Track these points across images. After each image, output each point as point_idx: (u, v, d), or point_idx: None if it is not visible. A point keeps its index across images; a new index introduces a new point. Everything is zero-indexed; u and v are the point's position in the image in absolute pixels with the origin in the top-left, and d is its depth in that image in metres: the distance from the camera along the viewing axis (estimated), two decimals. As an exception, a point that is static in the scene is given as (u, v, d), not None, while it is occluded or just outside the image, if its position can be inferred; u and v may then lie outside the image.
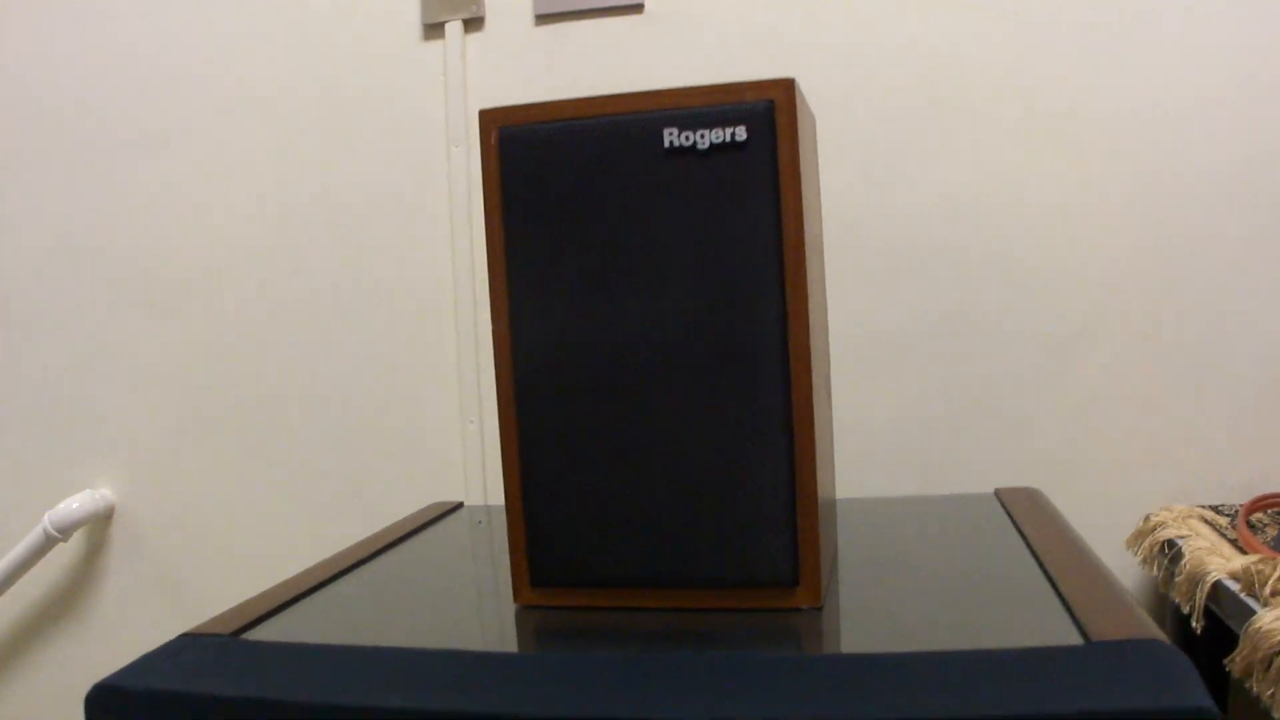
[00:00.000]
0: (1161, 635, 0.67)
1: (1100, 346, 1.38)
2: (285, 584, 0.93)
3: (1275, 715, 0.89)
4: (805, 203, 0.74)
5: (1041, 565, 0.85)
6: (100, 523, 1.71)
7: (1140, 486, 1.38)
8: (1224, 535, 1.21)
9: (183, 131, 1.61)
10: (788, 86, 0.72)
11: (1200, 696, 0.58)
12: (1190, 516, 1.29)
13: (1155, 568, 1.25)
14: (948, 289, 1.41)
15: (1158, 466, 1.38)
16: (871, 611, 0.76)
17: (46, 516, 1.66)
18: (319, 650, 0.73)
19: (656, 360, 0.74)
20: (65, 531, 1.66)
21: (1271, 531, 1.19)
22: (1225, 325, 1.36)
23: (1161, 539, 1.25)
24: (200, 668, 0.72)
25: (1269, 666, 0.91)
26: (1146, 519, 1.31)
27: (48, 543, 1.67)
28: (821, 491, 0.77)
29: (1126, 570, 1.39)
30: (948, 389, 1.41)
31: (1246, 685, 0.96)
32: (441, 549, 1.04)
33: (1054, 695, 0.59)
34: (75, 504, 1.67)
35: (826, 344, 0.89)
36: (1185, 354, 1.37)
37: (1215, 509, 1.32)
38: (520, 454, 0.78)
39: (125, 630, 1.71)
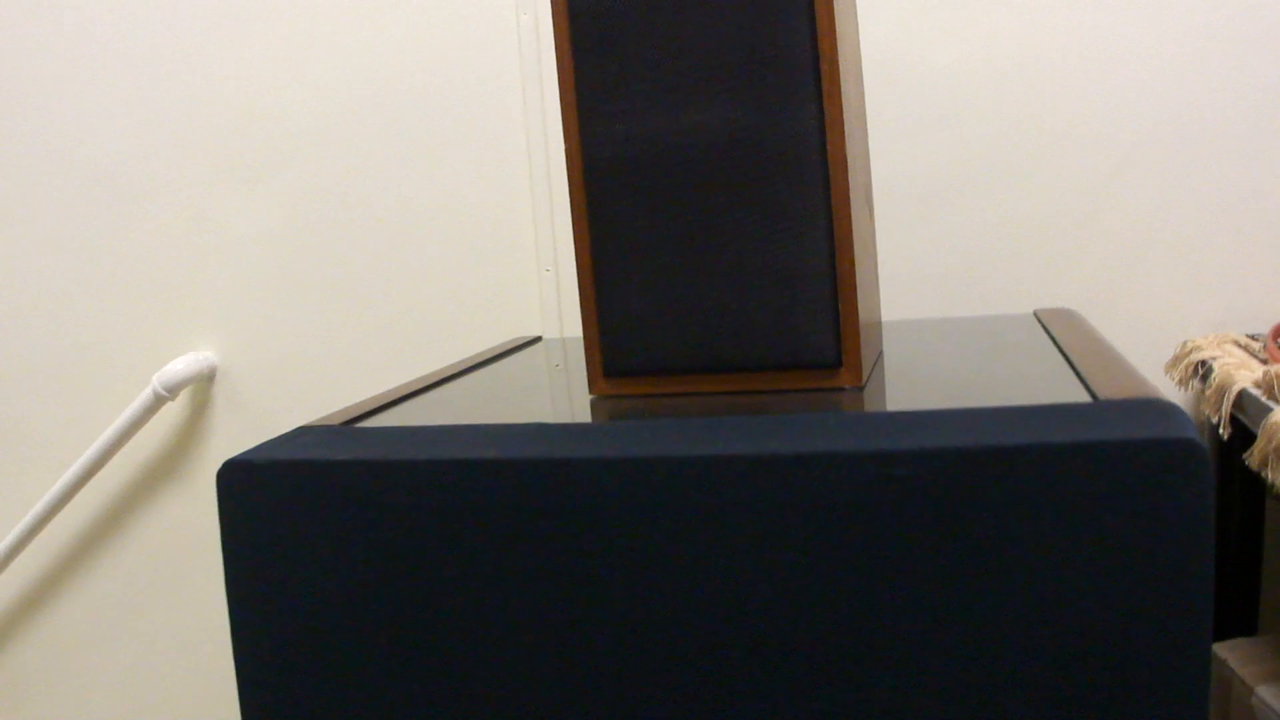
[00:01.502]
0: (1163, 396, 0.76)
1: (1138, 186, 1.45)
2: (385, 392, 1.04)
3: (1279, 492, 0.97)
4: (839, 26, 0.82)
5: (1064, 354, 0.94)
6: (204, 383, 1.83)
7: (1179, 317, 1.46)
8: (1255, 355, 1.29)
9: (269, 12, 1.70)
10: (823, -86, 0.80)
11: (1188, 430, 0.67)
12: (1225, 341, 1.36)
13: (1189, 388, 1.33)
14: (989, 134, 1.48)
15: (1195, 298, 1.45)
16: (908, 389, 0.85)
17: (155, 378, 1.78)
18: (419, 429, 0.84)
19: (711, 165, 0.84)
20: (173, 390, 1.79)
21: (1301, 350, 1.26)
22: (1261, 164, 1.41)
23: (1196, 360, 1.33)
24: (317, 445, 0.83)
25: (1280, 452, 1.00)
26: (1184, 345, 1.39)
27: (157, 402, 1.80)
28: (861, 285, 0.86)
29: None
30: (991, 224, 1.49)
31: (1263, 475, 1.04)
32: (523, 365, 1.15)
33: (1056, 431, 0.68)
34: (180, 365, 1.80)
35: (866, 156, 0.97)
36: (1221, 193, 1.43)
37: (1252, 336, 1.40)
38: (591, 256, 0.88)
39: (230, 483, 1.84)
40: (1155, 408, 0.72)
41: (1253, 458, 1.05)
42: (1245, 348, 1.33)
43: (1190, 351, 1.36)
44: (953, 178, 1.49)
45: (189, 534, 1.87)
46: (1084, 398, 0.78)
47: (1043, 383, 0.84)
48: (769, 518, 0.69)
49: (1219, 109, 1.42)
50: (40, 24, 1.79)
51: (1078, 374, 0.86)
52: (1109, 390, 0.78)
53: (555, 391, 0.98)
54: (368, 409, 0.97)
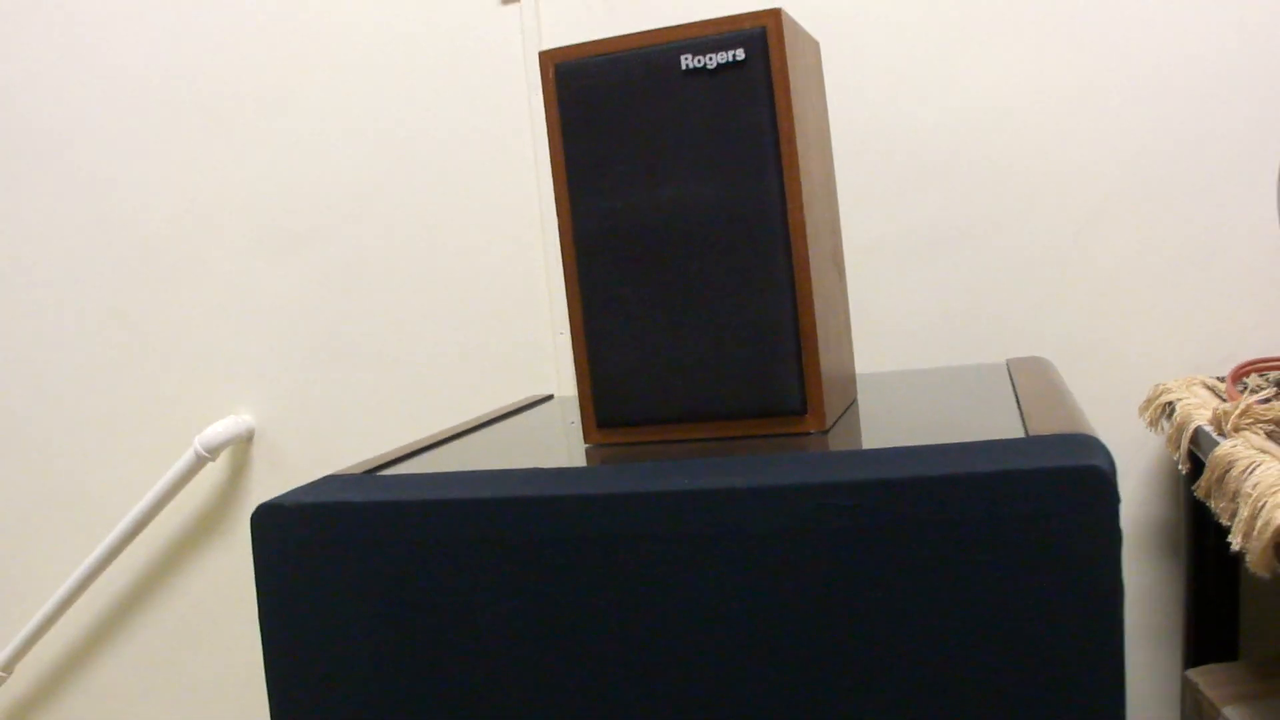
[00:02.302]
0: (1092, 432, 0.85)
1: (1109, 237, 1.55)
2: (403, 445, 1.15)
3: (1223, 522, 1.06)
4: (798, 107, 0.93)
5: (1017, 397, 1.03)
6: (242, 444, 1.95)
7: (1153, 362, 1.55)
8: (1220, 396, 1.37)
9: (303, 100, 1.83)
10: (776, 14, 0.91)
11: (1096, 459, 0.76)
12: (1194, 384, 1.45)
13: (1159, 429, 1.42)
14: (964, 192, 1.58)
15: (1168, 344, 1.55)
16: (870, 432, 0.95)
17: (196, 440, 1.90)
18: (431, 475, 0.95)
19: (686, 234, 0.94)
20: (213, 451, 1.90)
21: (1263, 392, 1.35)
22: (1227, 213, 1.51)
23: (1165, 401, 1.42)
24: (341, 489, 0.94)
25: (1221, 483, 1.09)
26: (1155, 387, 1.48)
27: (198, 463, 1.91)
28: (824, 338, 0.96)
29: (1145, 441, 1.56)
30: (968, 280, 1.59)
31: (1208, 504, 1.13)
32: (533, 421, 1.25)
33: (980, 463, 0.78)
34: (220, 427, 1.91)
35: (834, 221, 1.08)
36: (1190, 242, 1.53)
37: (1220, 379, 1.48)
38: (584, 320, 0.98)
39: (268, 539, 1.95)
40: (1076, 441, 0.81)
41: (1199, 489, 1.14)
42: (1212, 389, 1.42)
43: (1161, 394, 1.45)
44: (932, 235, 1.60)
45: (230, 586, 1.98)
46: (1019, 428, 0.88)
47: (989, 423, 0.94)
48: (728, 543, 0.79)
49: (1185, 164, 1.52)
50: (94, 106, 1.92)
51: (1021, 414, 0.96)
52: (1042, 427, 0.88)
53: (556, 442, 1.09)
54: (388, 459, 1.07)
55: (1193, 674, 1.36)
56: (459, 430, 1.22)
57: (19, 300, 2.00)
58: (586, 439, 1.02)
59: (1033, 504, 0.76)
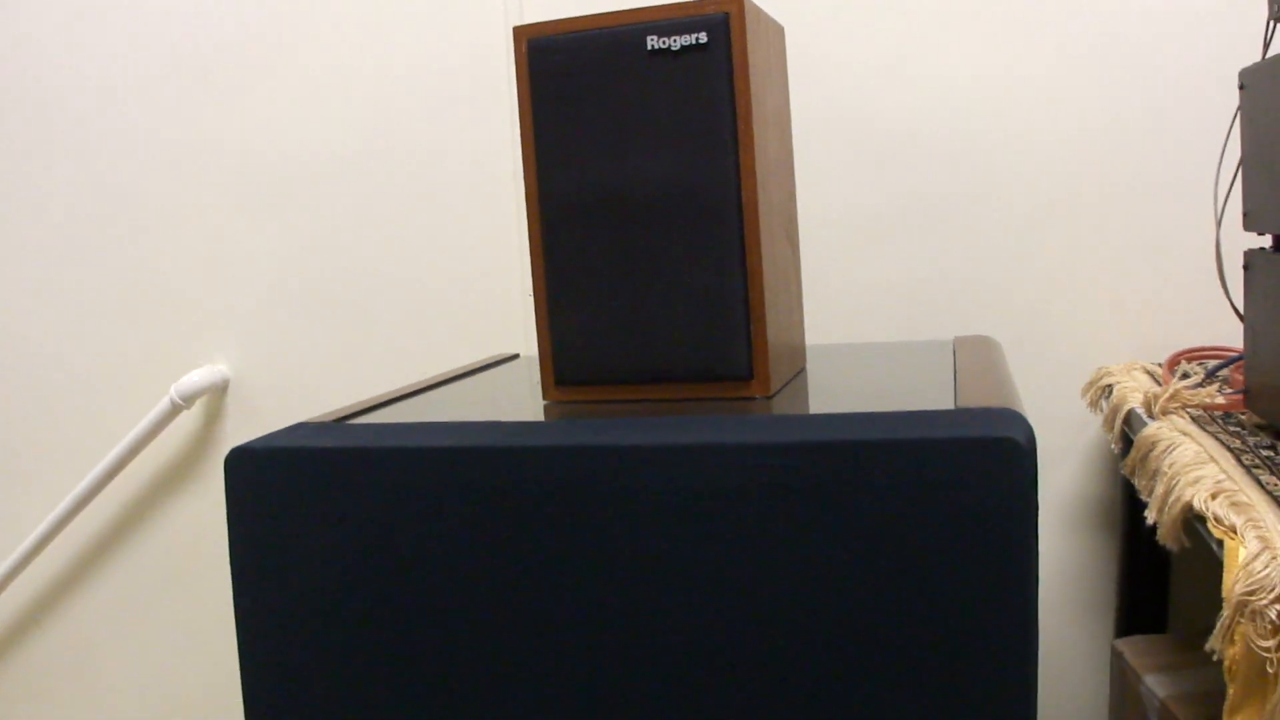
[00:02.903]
0: (1019, 407, 0.91)
1: (1062, 227, 1.61)
2: (372, 397, 1.20)
3: (1143, 498, 1.12)
4: (756, 89, 0.99)
5: (955, 375, 1.09)
6: (217, 394, 1.99)
7: (1098, 347, 1.61)
8: (1156, 381, 1.44)
9: (286, 67, 1.87)
10: (738, 1, 0.96)
11: (1014, 431, 0.82)
12: (1134, 369, 1.52)
13: (1099, 410, 1.48)
14: (924, 175, 1.64)
15: (1113, 331, 1.61)
16: (814, 399, 1.01)
17: (172, 388, 1.94)
18: (397, 425, 1.00)
19: (647, 207, 1.00)
20: (189, 400, 1.95)
21: (1193, 378, 1.41)
22: (1172, 214, 1.57)
23: (1104, 385, 1.48)
24: (313, 435, 0.99)
25: (1145, 461, 1.15)
26: (1098, 371, 1.54)
27: (173, 410, 1.96)
28: (772, 309, 1.02)
29: (1087, 423, 1.62)
30: (923, 259, 1.65)
31: (1133, 481, 1.19)
32: (496, 378, 1.31)
33: (906, 430, 0.83)
34: (196, 376, 1.95)
35: (789, 198, 1.13)
36: (1137, 237, 1.59)
37: (1159, 365, 1.55)
38: (546, 283, 1.04)
39: (240, 487, 2.00)
40: (999, 415, 0.87)
41: (1126, 467, 1.21)
42: (1150, 374, 1.48)
43: (1102, 377, 1.52)
44: (891, 214, 1.65)
45: (201, 531, 2.03)
46: (950, 401, 0.94)
47: (923, 395, 1.00)
48: (671, 495, 0.85)
49: (1135, 165, 1.58)
50: (82, 57, 1.96)
51: (955, 389, 1.02)
52: (970, 401, 0.93)
53: (517, 398, 1.14)
54: (357, 409, 1.12)
55: (1120, 644, 1.42)
56: (426, 384, 1.27)
57: (1, 249, 2.04)
58: (545, 396, 1.07)
59: (954, 471, 0.81)
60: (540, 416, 1.01)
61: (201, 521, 2.02)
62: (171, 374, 1.97)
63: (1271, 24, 1.16)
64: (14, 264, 2.03)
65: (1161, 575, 1.57)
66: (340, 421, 1.06)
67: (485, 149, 1.80)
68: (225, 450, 1.99)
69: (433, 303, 1.85)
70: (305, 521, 0.96)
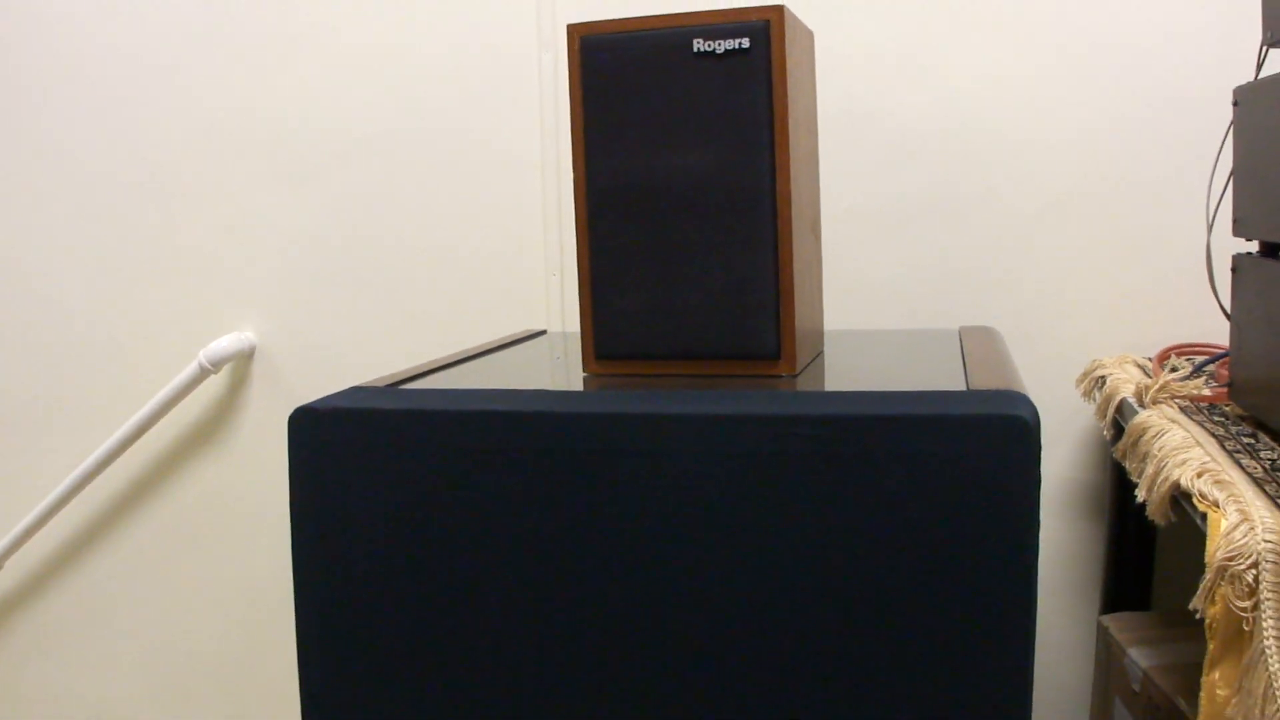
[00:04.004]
0: (1024, 390, 1.00)
1: (1063, 226, 1.70)
2: (415, 366, 1.28)
3: (1134, 479, 1.21)
4: (792, 92, 1.07)
5: (964, 359, 1.18)
6: (243, 360, 2.07)
7: (1094, 340, 1.71)
8: (1146, 374, 1.53)
9: (317, 40, 1.95)
10: (779, 10, 1.05)
11: (1019, 410, 0.91)
12: (1126, 362, 1.61)
13: (1092, 399, 1.57)
14: (936, 174, 1.73)
15: (1107, 326, 1.70)
16: (832, 378, 1.10)
17: (201, 353, 2.01)
18: (449, 391, 1.09)
19: (686, 198, 1.08)
20: (216, 365, 2.02)
21: (1181, 372, 1.50)
22: (1173, 211, 1.66)
23: (1098, 376, 1.57)
24: (371, 398, 1.07)
25: (1136, 446, 1.24)
26: (1092, 363, 1.63)
27: (201, 374, 2.03)
28: (799, 296, 1.10)
29: (1080, 411, 1.71)
30: (932, 252, 1.74)
31: (1124, 465, 1.28)
32: (529, 352, 1.39)
33: (922, 407, 0.92)
34: (225, 342, 2.03)
35: (815, 194, 1.22)
36: (1136, 234, 1.68)
37: (1149, 359, 1.64)
38: (590, 265, 1.12)
39: (263, 450, 2.08)
40: (1006, 396, 0.96)
41: (1118, 451, 1.30)
42: (1141, 367, 1.57)
43: (1095, 369, 1.61)
44: (902, 210, 1.74)
45: (222, 493, 2.10)
46: (960, 388, 1.03)
47: (935, 377, 1.09)
48: (704, 460, 0.94)
49: (1133, 170, 1.67)
50: (120, 40, 2.03)
51: (965, 373, 1.11)
52: (980, 383, 1.02)
53: (557, 370, 1.23)
54: (405, 376, 1.21)
55: (1106, 619, 1.52)
56: (466, 355, 1.36)
57: (37, 214, 2.11)
58: (585, 368, 1.16)
59: (966, 445, 0.90)
60: (582, 387, 1.10)
61: (222, 483, 2.09)
62: (200, 340, 2.03)
63: (1264, 48, 1.25)
64: (52, 230, 2.10)
65: (1146, 556, 1.67)
66: (394, 387, 1.14)
67: (513, 133, 1.88)
68: (250, 415, 2.08)
69: (456, 278, 1.93)
70: (363, 478, 1.04)
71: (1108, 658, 1.50)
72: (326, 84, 1.95)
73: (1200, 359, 1.54)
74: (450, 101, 1.90)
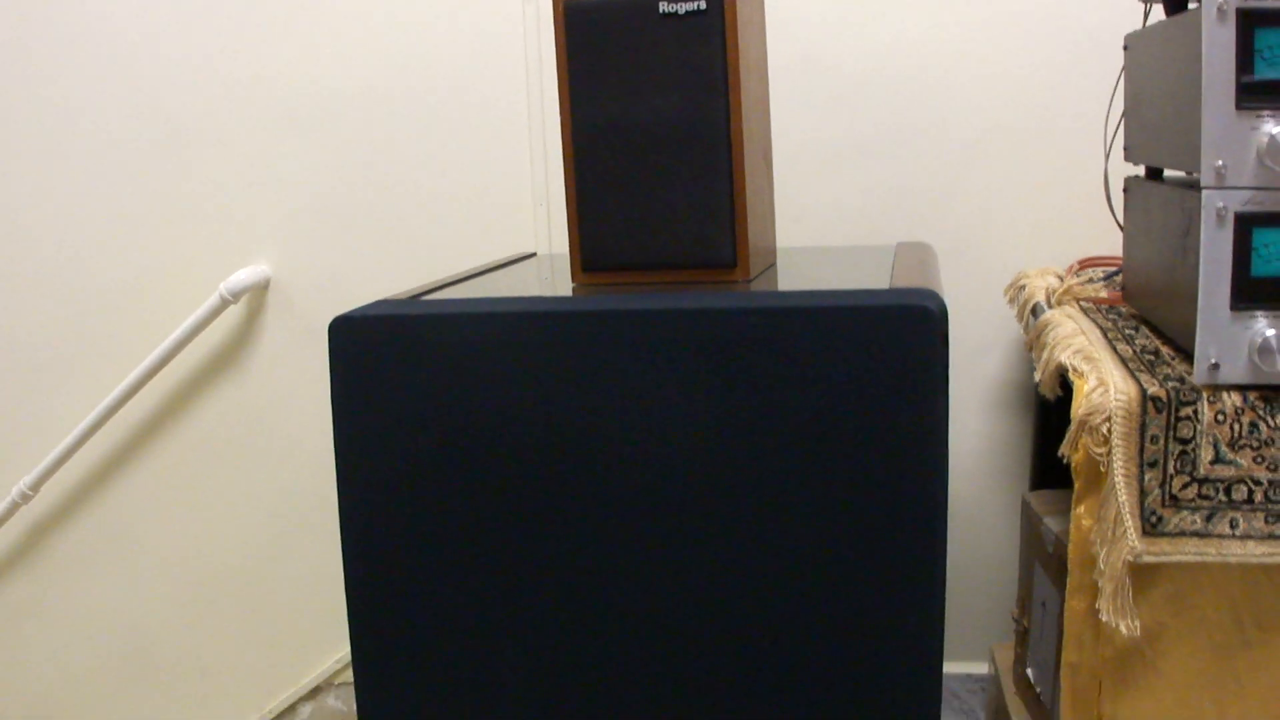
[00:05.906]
0: (938, 289, 1.22)
1: (991, 156, 1.92)
2: (424, 284, 1.50)
3: (1034, 366, 1.44)
4: (743, 45, 1.29)
5: (893, 269, 1.41)
6: (259, 290, 2.25)
7: (1020, 255, 1.94)
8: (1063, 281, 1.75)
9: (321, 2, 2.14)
10: (732, -25, 1.26)
11: (928, 302, 1.13)
12: (1046, 273, 1.83)
13: (1015, 306, 1.80)
14: (876, 112, 1.95)
15: (1033, 243, 1.93)
16: (781, 282, 1.32)
17: (221, 285, 2.20)
18: (466, 299, 1.31)
19: (657, 137, 1.30)
20: (236, 295, 2.20)
21: (1087, 277, 1.73)
22: (1083, 141, 1.89)
23: (1020, 285, 1.80)
24: (399, 306, 1.29)
25: (1038, 339, 1.47)
26: (1018, 275, 1.86)
27: (221, 305, 2.21)
28: (752, 216, 1.33)
29: (1009, 319, 1.94)
30: (874, 180, 1.96)
31: (1031, 355, 1.51)
32: (523, 270, 1.61)
33: (848, 299, 1.15)
34: (244, 274, 2.21)
35: (766, 131, 1.43)
36: (1055, 161, 1.91)
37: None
38: (577, 193, 1.34)
39: (278, 374, 2.27)
40: (920, 292, 1.18)
41: (1026, 344, 1.53)
42: (1059, 277, 1.80)
43: (1020, 279, 1.83)
44: (847, 143, 1.96)
45: (241, 414, 2.29)
46: (885, 286, 1.25)
47: (864, 280, 1.31)
48: (676, 347, 1.17)
49: (1049, 105, 1.90)
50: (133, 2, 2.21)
51: (891, 277, 1.33)
52: (901, 284, 1.25)
53: (548, 282, 1.45)
54: (421, 290, 1.43)
55: (1029, 495, 1.75)
56: (469, 274, 1.57)
57: (67, 165, 2.26)
58: (574, 279, 1.38)
59: (884, 330, 1.13)
60: (572, 293, 1.32)
61: (242, 405, 2.27)
62: (219, 274, 2.20)
63: (1148, 3, 1.46)
64: (80, 176, 2.25)
65: (1066, 445, 1.90)
66: (415, 298, 1.36)
67: (501, 81, 2.08)
68: (266, 342, 2.26)
69: (452, 211, 2.13)
70: (394, 375, 1.26)
71: (1029, 527, 1.73)
72: (332, 40, 2.12)
73: (1111, 269, 1.76)
74: (444, 56, 2.09)
